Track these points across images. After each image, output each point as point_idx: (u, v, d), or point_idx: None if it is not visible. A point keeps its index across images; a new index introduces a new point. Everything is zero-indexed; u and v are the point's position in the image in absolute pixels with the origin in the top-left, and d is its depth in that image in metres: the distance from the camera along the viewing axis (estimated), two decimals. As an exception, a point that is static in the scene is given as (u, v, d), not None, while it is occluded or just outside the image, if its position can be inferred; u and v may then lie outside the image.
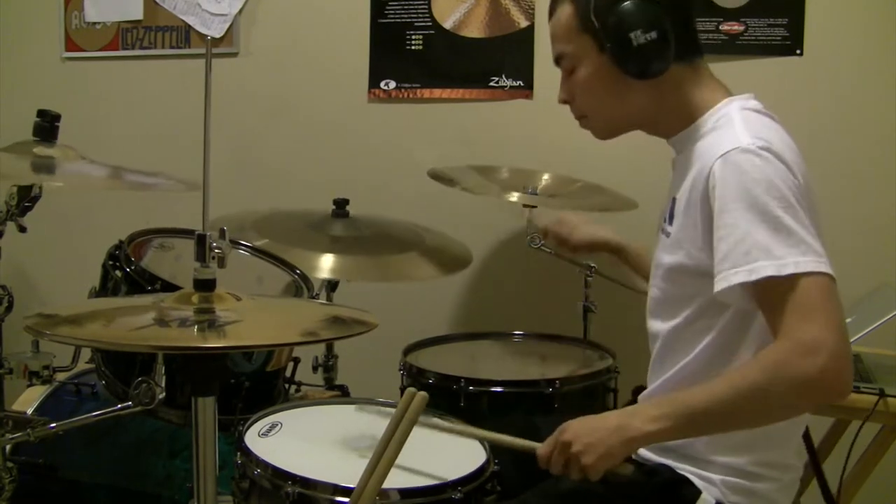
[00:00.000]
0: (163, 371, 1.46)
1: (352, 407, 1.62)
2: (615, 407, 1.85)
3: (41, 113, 1.71)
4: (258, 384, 1.74)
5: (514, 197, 2.08)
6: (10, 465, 1.65)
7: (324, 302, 2.08)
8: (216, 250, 1.22)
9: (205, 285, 1.24)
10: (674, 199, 1.32)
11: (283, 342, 1.50)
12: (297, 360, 1.89)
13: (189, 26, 2.75)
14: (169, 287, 1.60)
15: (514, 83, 2.42)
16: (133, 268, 1.67)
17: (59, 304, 1.93)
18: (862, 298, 1.79)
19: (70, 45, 2.92)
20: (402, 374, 1.87)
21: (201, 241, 1.22)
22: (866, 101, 2.18)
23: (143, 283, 1.64)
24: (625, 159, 2.24)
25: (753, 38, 2.23)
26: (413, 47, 2.54)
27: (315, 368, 2.20)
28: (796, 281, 1.11)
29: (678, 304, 1.30)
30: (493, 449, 1.40)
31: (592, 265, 2.11)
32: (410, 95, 2.55)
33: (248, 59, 2.71)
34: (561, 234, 1.94)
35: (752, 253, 1.14)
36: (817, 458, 1.41)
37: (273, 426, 1.49)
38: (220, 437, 1.31)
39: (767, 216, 1.14)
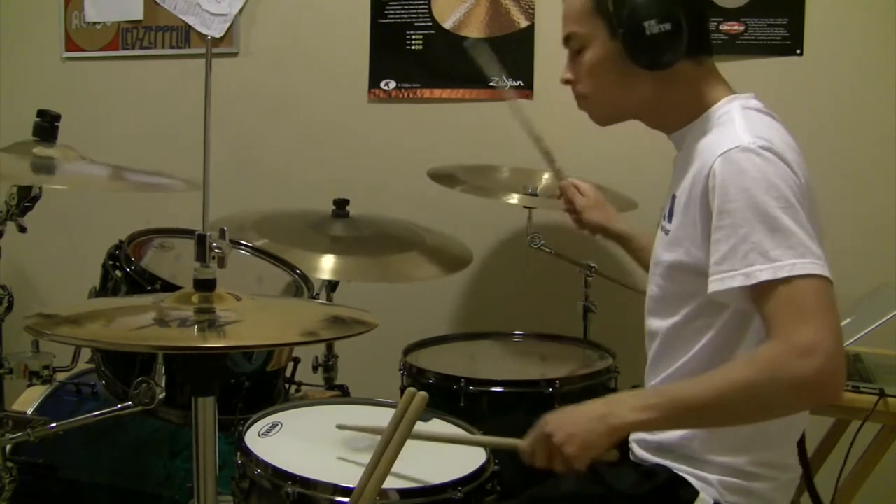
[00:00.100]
0: (163, 371, 1.46)
1: (352, 407, 1.62)
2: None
3: (41, 113, 1.71)
4: (258, 384, 1.74)
5: (514, 198, 2.07)
6: (10, 465, 1.65)
7: (324, 302, 2.08)
8: (216, 250, 1.22)
9: (205, 285, 1.24)
10: (673, 197, 1.31)
11: (283, 342, 1.50)
12: (297, 360, 1.89)
13: (189, 26, 2.75)
14: (169, 287, 1.60)
15: (514, 83, 2.42)
16: (133, 268, 1.67)
17: (59, 304, 1.93)
18: (862, 298, 1.79)
19: (70, 45, 2.93)
20: (402, 374, 1.87)
21: (201, 241, 1.22)
22: (866, 101, 2.18)
23: (143, 283, 1.64)
24: (625, 159, 2.24)
25: (753, 38, 2.23)
26: (413, 47, 2.54)
27: (315, 368, 2.20)
28: (793, 283, 1.11)
29: (677, 301, 1.30)
30: (494, 449, 1.39)
31: (592, 265, 2.11)
32: (410, 95, 2.55)
33: (248, 59, 2.71)
34: (576, 203, 1.81)
35: (749, 256, 1.13)
36: (809, 468, 1.41)
37: (273, 426, 1.48)
38: (220, 437, 1.31)
39: (766, 216, 1.14)
